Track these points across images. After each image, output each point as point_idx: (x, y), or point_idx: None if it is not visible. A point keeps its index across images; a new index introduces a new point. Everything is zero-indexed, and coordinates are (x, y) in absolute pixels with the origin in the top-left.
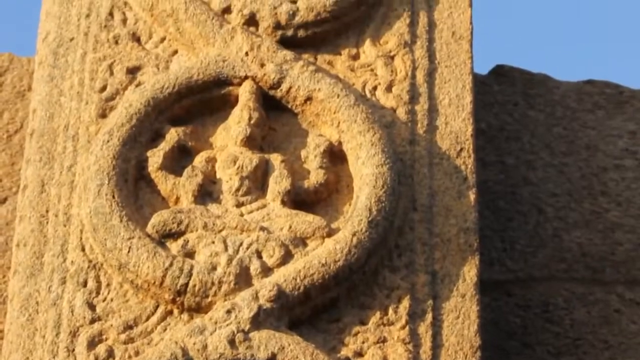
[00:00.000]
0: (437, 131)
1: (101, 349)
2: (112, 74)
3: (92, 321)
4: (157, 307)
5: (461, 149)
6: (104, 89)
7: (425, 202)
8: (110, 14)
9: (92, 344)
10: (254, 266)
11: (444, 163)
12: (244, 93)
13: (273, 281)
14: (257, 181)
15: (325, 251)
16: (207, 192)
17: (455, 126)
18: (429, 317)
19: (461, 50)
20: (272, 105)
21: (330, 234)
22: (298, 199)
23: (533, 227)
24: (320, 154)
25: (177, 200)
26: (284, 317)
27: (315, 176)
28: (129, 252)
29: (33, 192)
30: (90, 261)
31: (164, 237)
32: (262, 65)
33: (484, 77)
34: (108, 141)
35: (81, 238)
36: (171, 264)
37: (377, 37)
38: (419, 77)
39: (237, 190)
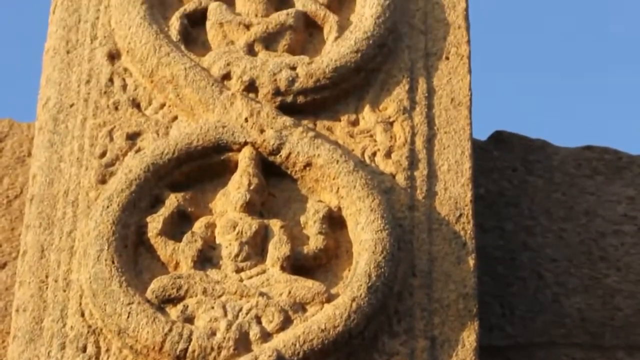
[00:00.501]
0: (436, 197)
1: None
2: (112, 139)
3: None
4: None
5: (460, 215)
6: (103, 154)
7: (424, 268)
8: (111, 80)
9: None
10: (254, 331)
11: (443, 229)
12: (244, 159)
13: (272, 347)
14: (257, 247)
15: (325, 317)
16: (206, 258)
17: (455, 192)
18: None
19: (460, 116)
20: (272, 171)
21: (330, 299)
22: (297, 265)
23: (532, 292)
24: (320, 220)
25: (177, 265)
26: None
27: (314, 242)
28: (128, 317)
29: (33, 258)
30: (89, 326)
31: (164, 302)
32: (262, 131)
33: (483, 143)
34: (108, 207)
35: (81, 303)
36: (170, 329)
37: (377, 103)
38: (418, 143)
39: (237, 255)
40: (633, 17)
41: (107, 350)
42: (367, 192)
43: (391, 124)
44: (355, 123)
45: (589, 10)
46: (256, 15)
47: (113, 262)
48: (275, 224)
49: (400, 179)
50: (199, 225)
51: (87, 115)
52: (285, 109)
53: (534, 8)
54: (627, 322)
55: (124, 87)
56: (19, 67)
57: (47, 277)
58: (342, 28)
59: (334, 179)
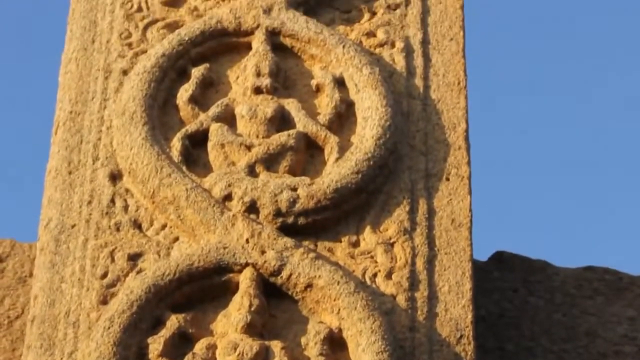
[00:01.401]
0: (437, 318)
1: None
2: (113, 260)
3: None
4: None
5: (461, 336)
6: (105, 275)
7: None
8: (112, 201)
9: None
10: None
11: (444, 350)
12: (245, 280)
13: None
14: None
15: None
16: None
17: (455, 313)
18: None
19: (461, 237)
20: (273, 292)
21: None
22: None
23: None
24: (321, 342)
25: None
26: None
27: None
28: None
29: None
30: None
31: None
32: (263, 252)
33: (483, 264)
34: (109, 328)
35: None
36: None
37: (377, 224)
38: (418, 265)
39: None
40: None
41: None
42: (368, 313)
43: (392, 245)
44: (356, 244)
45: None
46: (257, 137)
47: None
48: (276, 346)
49: (401, 300)
50: (200, 347)
51: (89, 236)
52: (286, 230)
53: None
54: None
55: (126, 208)
56: (21, 187)
57: None
58: (342, 149)
59: (334, 300)
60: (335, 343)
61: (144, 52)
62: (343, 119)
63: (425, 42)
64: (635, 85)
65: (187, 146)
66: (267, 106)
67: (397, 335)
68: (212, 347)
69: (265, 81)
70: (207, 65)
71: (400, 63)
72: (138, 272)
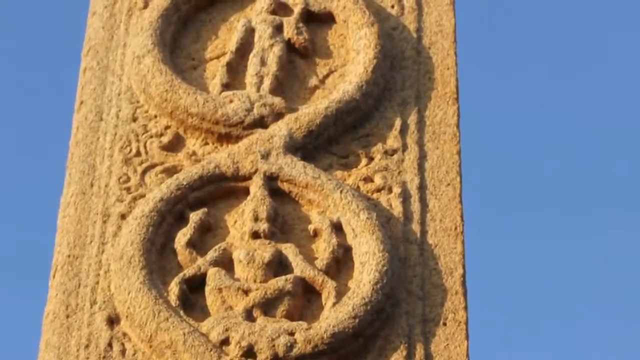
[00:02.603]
0: None
1: None
2: None
3: None
4: None
5: None
6: None
7: None
8: (110, 344)
9: None
10: None
11: None
12: None
13: None
14: None
15: None
16: None
17: None
18: None
19: None
20: None
21: None
22: None
23: None
24: None
25: None
26: None
27: None
28: None
29: None
30: None
31: None
32: None
33: None
34: None
35: None
36: None
37: None
38: None
39: None
40: None
41: None
42: None
43: None
44: None
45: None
46: (255, 281)
47: None
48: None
49: None
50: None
51: None
52: None
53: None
54: None
55: (123, 351)
56: (18, 332)
57: None
58: (340, 294)
59: None
60: None
61: (143, 196)
62: (340, 263)
63: (422, 188)
64: None
65: (184, 290)
66: (264, 251)
67: None
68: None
69: (263, 226)
70: (205, 209)
71: (397, 208)
72: None
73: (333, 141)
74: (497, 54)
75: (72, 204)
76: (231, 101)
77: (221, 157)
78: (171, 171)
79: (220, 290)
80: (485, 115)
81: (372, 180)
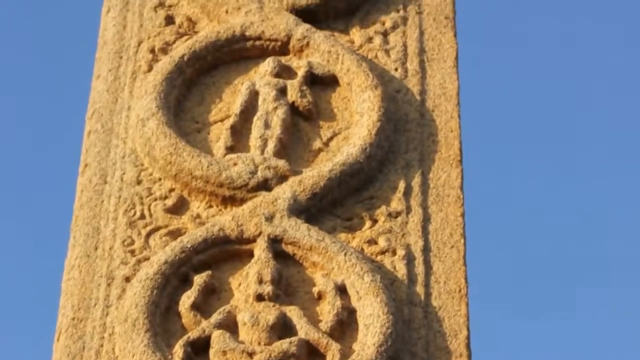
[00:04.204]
0: None
1: None
2: None
3: None
4: None
5: None
6: None
7: None
8: None
9: None
10: None
11: None
12: None
13: None
14: None
15: None
16: None
17: None
18: None
19: None
20: None
21: None
22: None
23: None
24: None
25: None
26: None
27: None
28: None
29: None
30: None
31: None
32: None
33: None
34: None
35: None
36: None
37: None
38: None
39: None
40: None
41: None
42: None
43: None
44: None
45: None
46: (259, 344)
47: None
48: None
49: None
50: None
51: None
52: None
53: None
54: None
55: None
56: None
57: None
58: (344, 356)
59: None
60: None
61: (147, 259)
62: (345, 326)
63: (426, 250)
64: None
65: (189, 353)
66: (269, 313)
67: None
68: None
69: (267, 288)
70: (209, 272)
71: (401, 270)
72: None
73: (337, 203)
74: (500, 116)
75: (76, 266)
76: (235, 164)
77: (225, 220)
78: (175, 234)
79: (224, 353)
80: (488, 178)
81: (376, 243)
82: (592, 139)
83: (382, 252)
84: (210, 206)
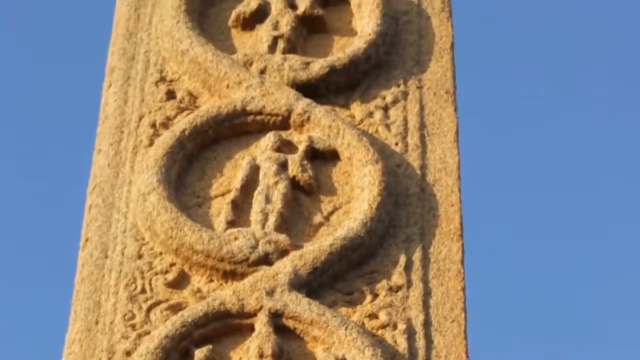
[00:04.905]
0: None
1: None
2: None
3: None
4: None
5: None
6: None
7: None
8: None
9: None
10: None
11: None
12: None
13: None
14: None
15: None
16: None
17: None
18: None
19: None
20: None
21: None
22: None
23: None
24: None
25: None
26: None
27: None
28: None
29: None
30: None
31: None
32: None
33: None
34: None
35: None
36: None
37: None
38: None
39: None
40: None
41: None
42: None
43: None
44: None
45: None
46: None
47: None
48: None
49: None
50: None
51: None
52: None
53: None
54: None
55: None
56: None
57: None
58: None
59: None
60: None
61: (147, 333)
62: None
63: (427, 324)
64: None
65: None
66: None
67: None
68: None
69: None
70: (210, 346)
71: (402, 345)
72: None
73: (338, 278)
74: (501, 191)
75: (77, 341)
76: (236, 238)
77: (226, 294)
78: (176, 308)
79: None
80: (489, 252)
81: (377, 317)
82: (596, 219)
83: (383, 327)
84: (211, 280)
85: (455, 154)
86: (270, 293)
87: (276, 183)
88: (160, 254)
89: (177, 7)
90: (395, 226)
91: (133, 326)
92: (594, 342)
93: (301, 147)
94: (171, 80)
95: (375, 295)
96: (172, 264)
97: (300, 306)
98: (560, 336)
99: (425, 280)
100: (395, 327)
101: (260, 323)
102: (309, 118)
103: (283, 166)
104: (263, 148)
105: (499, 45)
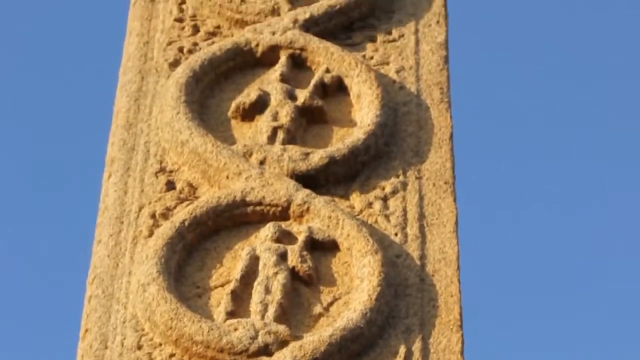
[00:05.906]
0: None
1: None
2: None
3: None
4: None
5: None
6: None
7: None
8: None
9: None
10: None
11: None
12: None
13: None
14: None
15: None
16: None
17: None
18: None
19: None
20: None
21: None
22: None
23: None
24: None
25: None
26: None
27: None
28: None
29: None
30: None
31: None
32: None
33: None
34: None
35: None
36: None
37: None
38: None
39: None
40: None
41: None
42: None
43: None
44: None
45: None
46: None
47: None
48: None
49: None
50: None
51: None
52: None
53: None
54: None
55: None
56: None
57: None
58: None
59: None
60: None
61: None
62: None
63: None
64: None
65: None
66: None
67: None
68: None
69: None
70: None
71: None
72: None
73: None
74: (500, 281)
75: None
76: (236, 329)
77: None
78: None
79: None
80: (489, 342)
81: None
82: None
83: None
84: None
85: (454, 244)
86: None
87: (276, 274)
88: (160, 344)
89: (177, 98)
90: (395, 317)
91: None
92: None
93: (301, 238)
94: (171, 171)
95: None
96: (172, 355)
97: None
98: None
99: None
100: None
101: None
102: (308, 209)
103: (283, 257)
104: (263, 239)
105: (499, 135)
